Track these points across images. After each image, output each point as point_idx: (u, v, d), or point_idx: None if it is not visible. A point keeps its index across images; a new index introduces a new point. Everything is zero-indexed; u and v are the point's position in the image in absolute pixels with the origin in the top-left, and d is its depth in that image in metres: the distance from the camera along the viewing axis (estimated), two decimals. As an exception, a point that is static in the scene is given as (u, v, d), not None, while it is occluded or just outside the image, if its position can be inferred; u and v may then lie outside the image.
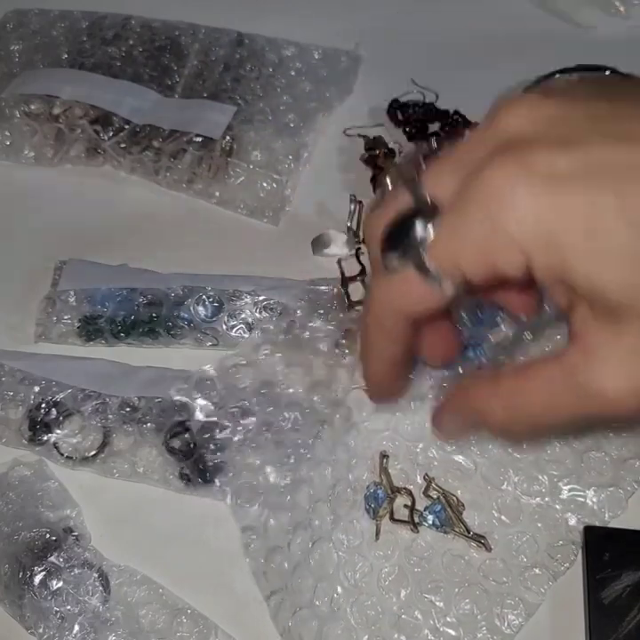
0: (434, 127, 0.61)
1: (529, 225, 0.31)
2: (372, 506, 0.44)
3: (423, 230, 0.33)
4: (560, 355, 0.34)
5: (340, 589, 0.42)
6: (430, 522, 0.44)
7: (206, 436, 0.46)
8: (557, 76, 0.63)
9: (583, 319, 0.33)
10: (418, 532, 0.44)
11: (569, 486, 0.45)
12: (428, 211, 0.33)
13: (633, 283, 0.30)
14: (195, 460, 0.46)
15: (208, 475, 0.45)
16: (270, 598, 0.43)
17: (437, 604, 0.42)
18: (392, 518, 0.44)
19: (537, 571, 0.43)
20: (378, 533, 0.44)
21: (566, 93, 0.34)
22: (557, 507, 0.44)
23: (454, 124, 0.61)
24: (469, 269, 0.33)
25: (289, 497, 0.45)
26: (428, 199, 0.33)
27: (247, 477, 0.45)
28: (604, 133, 0.32)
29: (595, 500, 0.45)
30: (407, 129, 0.61)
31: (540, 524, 0.44)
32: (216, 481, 0.45)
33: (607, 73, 0.63)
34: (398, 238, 0.34)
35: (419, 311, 0.36)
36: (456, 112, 0.62)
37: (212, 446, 0.46)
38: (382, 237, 0.35)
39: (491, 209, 0.31)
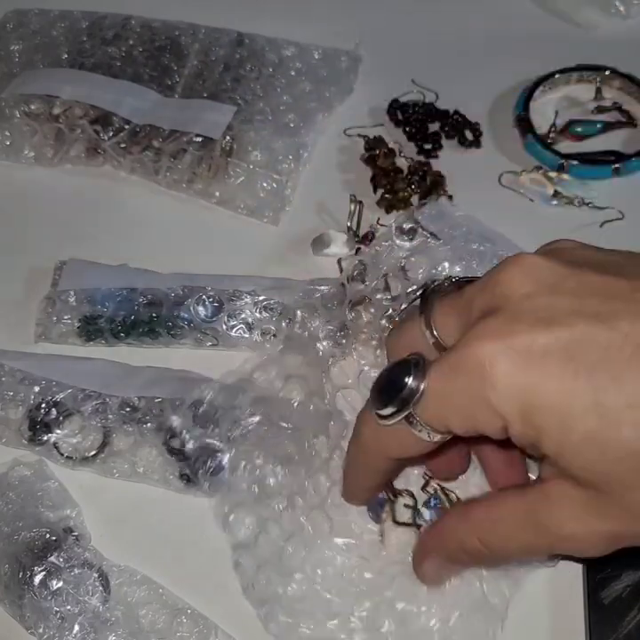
0: (434, 127, 0.62)
1: (507, 398, 0.33)
2: (375, 511, 0.44)
3: (415, 388, 0.34)
4: (524, 491, 0.36)
5: (337, 594, 0.42)
6: (428, 517, 0.44)
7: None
8: (557, 75, 0.63)
9: (550, 471, 0.35)
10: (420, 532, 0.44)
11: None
12: (417, 366, 0.35)
13: (599, 469, 0.32)
14: (195, 459, 0.46)
15: (208, 475, 0.45)
16: (262, 608, 0.42)
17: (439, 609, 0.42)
18: (395, 521, 0.44)
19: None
20: (382, 537, 0.44)
21: (568, 258, 0.35)
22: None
23: (454, 124, 0.61)
24: (455, 428, 0.35)
25: (284, 504, 0.45)
26: (415, 357, 0.35)
27: (245, 480, 0.45)
28: (588, 313, 0.33)
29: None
30: (407, 129, 0.61)
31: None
32: (217, 481, 0.45)
33: (607, 73, 0.63)
34: (390, 393, 0.35)
35: (405, 455, 0.38)
36: (456, 112, 0.62)
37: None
38: (373, 386, 0.37)
39: (473, 380, 0.33)
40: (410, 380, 0.34)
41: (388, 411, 0.35)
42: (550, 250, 0.37)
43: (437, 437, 0.36)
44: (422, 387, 0.34)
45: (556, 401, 0.32)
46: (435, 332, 0.37)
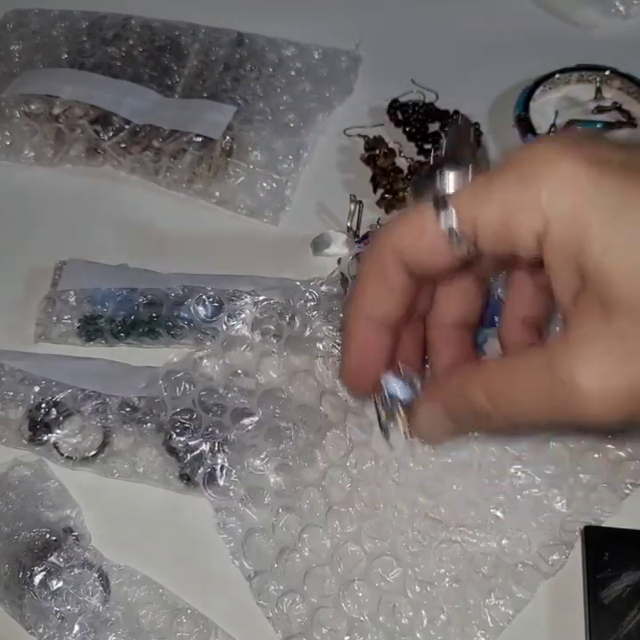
0: (434, 127, 0.62)
1: (560, 194, 0.31)
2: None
3: (454, 181, 0.34)
4: (544, 346, 0.33)
5: (331, 575, 0.43)
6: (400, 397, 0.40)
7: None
8: (557, 75, 0.63)
9: (576, 311, 0.32)
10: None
11: (565, 486, 0.45)
12: (463, 166, 0.34)
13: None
14: (195, 459, 0.46)
15: (208, 475, 0.45)
16: (253, 579, 0.43)
17: (430, 593, 0.42)
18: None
19: (527, 567, 0.43)
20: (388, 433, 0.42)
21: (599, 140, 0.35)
22: (556, 505, 0.44)
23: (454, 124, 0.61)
24: (484, 231, 0.33)
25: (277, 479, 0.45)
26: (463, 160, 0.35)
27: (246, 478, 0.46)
28: None
29: (590, 501, 0.45)
30: (407, 129, 0.61)
31: (534, 523, 0.44)
32: (216, 481, 0.45)
33: (607, 73, 0.63)
34: (432, 176, 0.35)
35: (422, 261, 0.35)
36: (456, 112, 0.62)
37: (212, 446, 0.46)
38: (414, 179, 0.37)
39: (527, 171, 0.32)
40: (453, 173, 0.34)
41: (424, 185, 0.36)
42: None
43: (458, 243, 0.33)
44: (462, 182, 0.34)
45: (614, 203, 0.30)
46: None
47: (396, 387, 0.40)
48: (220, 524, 0.44)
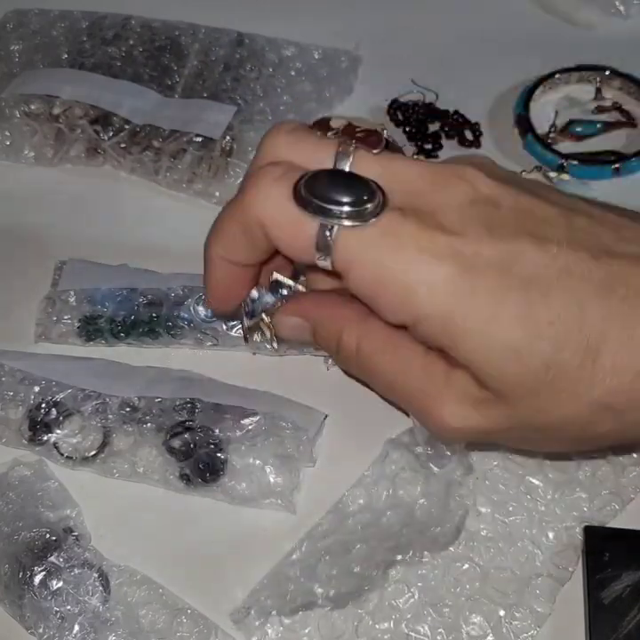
0: (434, 127, 0.62)
1: (437, 296, 0.33)
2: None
3: (360, 212, 0.34)
4: (426, 356, 0.37)
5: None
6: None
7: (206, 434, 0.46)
8: (557, 75, 0.63)
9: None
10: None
11: (569, 493, 0.45)
12: (374, 199, 0.34)
13: (510, 378, 0.34)
14: (195, 459, 0.46)
15: (208, 475, 0.45)
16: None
17: (446, 619, 0.41)
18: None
19: (543, 579, 0.42)
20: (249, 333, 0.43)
21: (494, 175, 0.36)
22: (558, 512, 0.44)
23: (454, 124, 0.61)
24: (355, 281, 0.35)
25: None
26: (379, 188, 0.34)
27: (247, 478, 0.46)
28: (525, 231, 0.34)
29: (594, 507, 0.44)
30: (407, 129, 0.61)
31: (539, 532, 0.44)
32: (216, 481, 0.46)
33: (607, 73, 0.63)
34: (332, 191, 0.34)
35: (285, 251, 0.36)
36: (456, 112, 0.62)
37: (212, 446, 0.46)
38: (316, 174, 0.35)
39: (404, 263, 0.33)
40: (372, 203, 0.34)
41: (322, 204, 0.34)
42: (472, 163, 0.37)
43: (325, 264, 0.35)
44: (370, 221, 0.34)
45: (486, 309, 0.33)
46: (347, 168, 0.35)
47: (262, 294, 0.41)
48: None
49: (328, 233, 0.34)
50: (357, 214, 0.34)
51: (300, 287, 0.41)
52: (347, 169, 0.35)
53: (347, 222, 0.34)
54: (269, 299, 0.41)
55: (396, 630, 0.41)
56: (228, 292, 0.41)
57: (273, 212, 0.36)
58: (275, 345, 0.42)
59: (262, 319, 0.41)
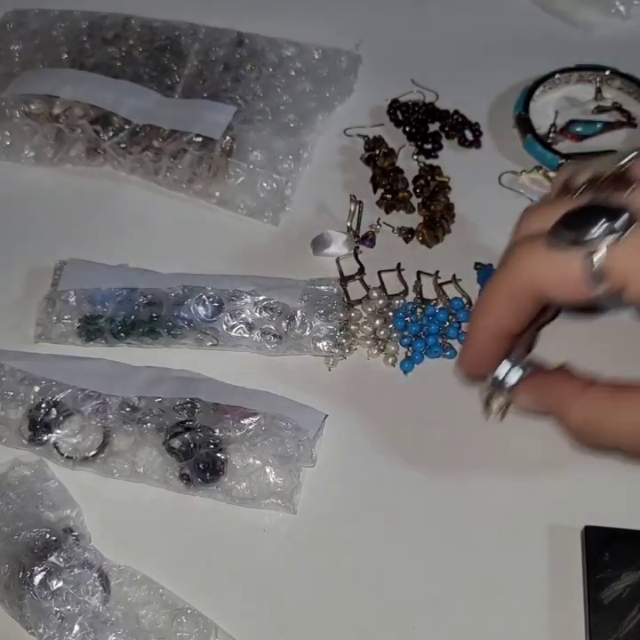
0: (434, 127, 0.62)
1: None
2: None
3: (612, 228, 0.34)
4: None
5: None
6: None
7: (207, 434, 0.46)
8: (557, 75, 0.63)
9: None
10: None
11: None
12: (621, 214, 0.35)
13: None
14: (195, 459, 0.46)
15: (208, 475, 0.45)
16: None
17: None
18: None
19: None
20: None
21: None
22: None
23: (454, 124, 0.61)
24: (635, 288, 0.35)
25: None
26: (629, 207, 0.35)
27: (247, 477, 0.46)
28: None
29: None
30: (407, 129, 0.61)
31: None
32: (216, 481, 0.46)
33: (607, 73, 0.63)
34: (581, 222, 0.35)
35: (560, 298, 0.37)
36: (456, 112, 0.62)
37: (212, 446, 0.46)
38: (565, 214, 0.36)
39: None
40: (617, 222, 0.34)
41: (572, 235, 0.35)
42: None
43: (603, 289, 0.35)
44: (625, 235, 0.34)
45: None
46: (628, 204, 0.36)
47: (505, 370, 0.43)
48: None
49: (594, 258, 0.35)
50: (612, 231, 0.35)
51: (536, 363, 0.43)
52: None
53: (606, 241, 0.35)
54: (514, 376, 0.42)
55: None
56: (487, 361, 0.43)
57: (539, 269, 0.37)
58: (500, 418, 0.46)
59: (498, 393, 0.44)
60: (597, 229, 0.34)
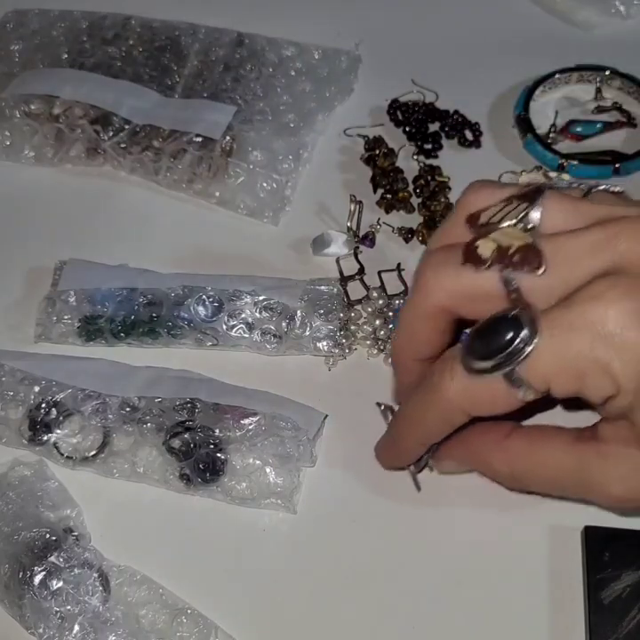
0: (434, 127, 0.62)
1: (633, 367, 0.32)
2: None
3: (524, 344, 0.33)
4: (576, 443, 0.37)
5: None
6: None
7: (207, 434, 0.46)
8: (557, 75, 0.63)
9: (613, 432, 0.36)
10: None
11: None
12: (525, 323, 0.33)
13: None
14: (195, 459, 0.46)
15: (208, 475, 0.45)
16: None
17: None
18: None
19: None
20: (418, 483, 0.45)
21: None
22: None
23: (454, 124, 0.61)
24: (557, 388, 0.34)
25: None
26: (532, 309, 0.34)
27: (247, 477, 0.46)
28: None
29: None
30: (407, 129, 0.61)
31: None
32: (216, 481, 0.46)
33: (607, 73, 0.63)
34: (488, 344, 0.34)
35: (491, 413, 0.36)
36: (456, 112, 0.62)
37: (212, 446, 0.46)
38: (470, 337, 0.35)
39: (595, 344, 0.32)
40: (521, 335, 0.33)
41: (486, 364, 0.34)
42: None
43: (531, 396, 0.34)
44: (533, 345, 0.33)
45: None
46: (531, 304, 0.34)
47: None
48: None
49: (516, 374, 0.34)
50: (526, 340, 0.33)
51: None
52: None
53: (524, 353, 0.33)
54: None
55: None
56: (407, 461, 0.44)
57: (462, 397, 0.36)
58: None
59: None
60: (511, 346, 0.33)
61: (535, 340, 0.33)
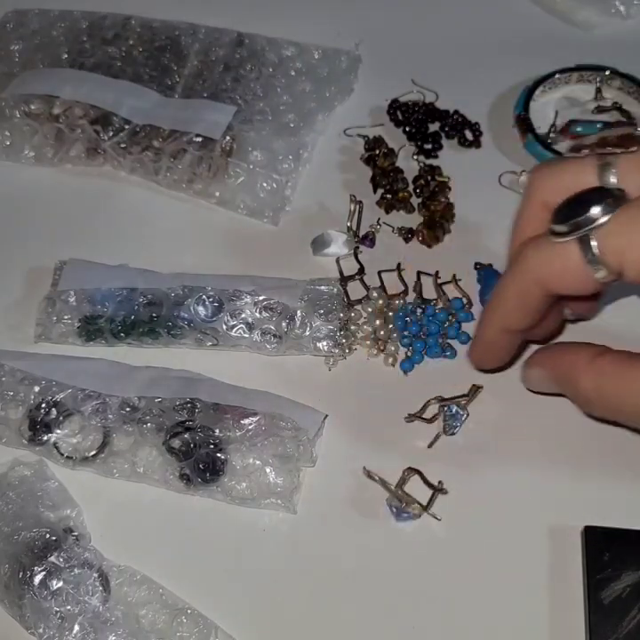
0: (434, 127, 0.62)
1: None
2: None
3: (600, 214, 0.35)
4: None
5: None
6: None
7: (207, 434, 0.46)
8: (557, 75, 0.63)
9: None
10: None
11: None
12: (611, 197, 0.35)
13: None
14: (195, 459, 0.46)
15: (208, 475, 0.45)
16: None
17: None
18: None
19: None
20: None
21: None
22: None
23: (454, 124, 0.61)
24: (630, 269, 0.35)
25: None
26: (616, 188, 0.36)
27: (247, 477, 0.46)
28: None
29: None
30: (407, 129, 0.61)
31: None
32: (216, 481, 0.46)
33: (607, 73, 0.63)
34: (573, 211, 0.36)
35: (565, 291, 0.38)
36: (456, 112, 0.62)
37: (212, 446, 0.46)
38: (559, 205, 0.37)
39: None
40: (601, 205, 0.35)
41: (564, 227, 0.36)
42: None
43: (603, 275, 0.36)
44: (609, 216, 0.35)
45: None
46: (614, 179, 0.37)
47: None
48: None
49: (590, 243, 0.36)
50: (604, 212, 0.35)
51: None
52: (613, 179, 0.37)
53: (598, 222, 0.35)
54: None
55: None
56: (495, 354, 0.44)
57: (543, 263, 0.38)
58: None
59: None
60: (587, 215, 0.35)
61: (612, 214, 0.35)
